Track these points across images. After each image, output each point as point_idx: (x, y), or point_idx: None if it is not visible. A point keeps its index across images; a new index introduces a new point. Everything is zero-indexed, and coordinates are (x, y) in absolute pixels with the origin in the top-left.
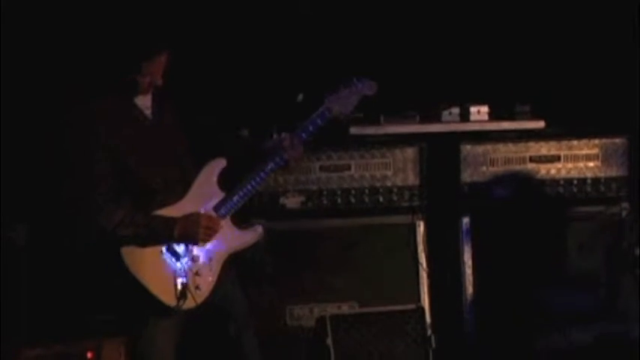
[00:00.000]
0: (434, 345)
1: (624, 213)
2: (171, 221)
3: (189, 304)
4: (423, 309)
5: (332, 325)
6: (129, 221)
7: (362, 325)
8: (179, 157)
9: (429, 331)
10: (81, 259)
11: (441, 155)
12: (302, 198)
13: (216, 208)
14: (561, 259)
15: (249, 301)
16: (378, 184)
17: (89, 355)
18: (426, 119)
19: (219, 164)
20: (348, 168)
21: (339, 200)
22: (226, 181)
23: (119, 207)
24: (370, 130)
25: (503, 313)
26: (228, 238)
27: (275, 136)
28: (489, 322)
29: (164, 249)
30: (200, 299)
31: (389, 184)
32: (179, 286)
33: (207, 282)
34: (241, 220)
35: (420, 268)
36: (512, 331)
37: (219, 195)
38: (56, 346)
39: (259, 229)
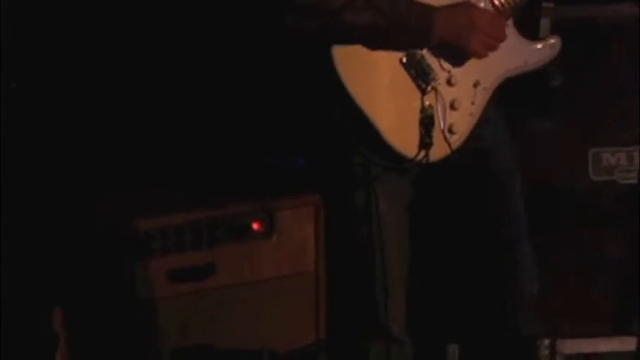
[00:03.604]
0: None
1: None
2: (428, 11)
3: (437, 153)
4: None
5: None
6: (362, 2)
7: None
8: None
9: None
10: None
11: None
12: None
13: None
14: None
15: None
16: None
17: (255, 225)
18: None
19: None
20: None
21: None
22: None
23: None
24: None
25: None
26: (512, 53)
27: None
28: None
29: (404, 59)
30: (454, 146)
31: None
32: (422, 125)
33: (465, 120)
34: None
35: None
36: None
37: None
38: (203, 209)
39: (557, 41)
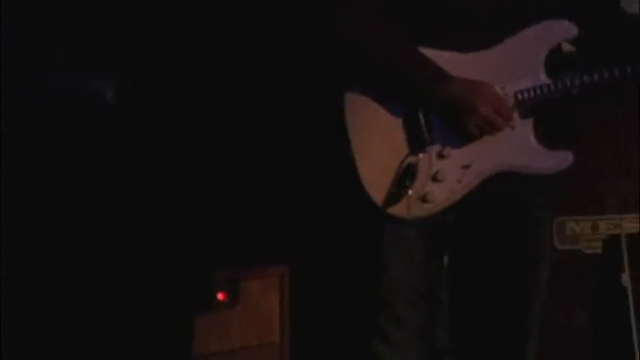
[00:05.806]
0: None
1: None
2: (443, 74)
3: (398, 210)
4: None
5: (630, 251)
6: (379, 44)
7: None
8: None
9: None
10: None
11: None
12: None
13: (519, 94)
14: None
15: None
16: None
17: (220, 296)
18: None
19: (565, 30)
20: None
21: None
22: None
23: (373, 19)
24: None
25: None
26: (516, 150)
27: None
28: None
29: (406, 116)
30: (416, 214)
31: None
32: (394, 183)
33: (442, 195)
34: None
35: None
36: None
37: (537, 76)
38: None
39: (569, 157)
